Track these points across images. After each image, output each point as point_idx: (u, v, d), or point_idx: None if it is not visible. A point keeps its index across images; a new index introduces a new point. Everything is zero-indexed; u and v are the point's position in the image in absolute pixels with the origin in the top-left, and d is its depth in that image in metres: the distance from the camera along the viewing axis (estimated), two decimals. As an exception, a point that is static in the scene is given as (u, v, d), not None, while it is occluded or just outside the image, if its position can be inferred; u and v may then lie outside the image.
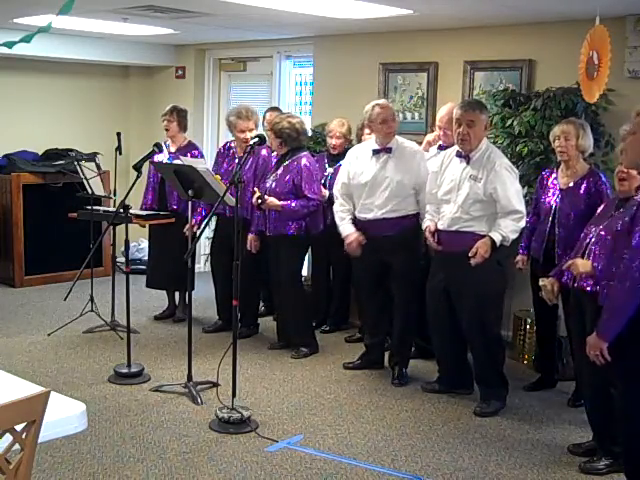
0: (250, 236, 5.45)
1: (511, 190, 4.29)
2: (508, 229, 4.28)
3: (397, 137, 4.87)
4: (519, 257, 4.77)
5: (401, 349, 4.99)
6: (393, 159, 4.80)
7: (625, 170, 3.56)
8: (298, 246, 5.29)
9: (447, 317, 4.53)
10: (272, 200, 5.10)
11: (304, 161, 5.17)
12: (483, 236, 4.30)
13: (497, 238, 4.28)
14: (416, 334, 5.14)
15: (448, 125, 4.78)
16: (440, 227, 4.49)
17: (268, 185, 5.24)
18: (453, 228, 4.40)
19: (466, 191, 4.36)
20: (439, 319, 4.59)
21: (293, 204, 5.10)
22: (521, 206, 4.32)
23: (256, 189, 5.22)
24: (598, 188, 4.36)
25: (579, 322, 3.72)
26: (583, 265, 3.57)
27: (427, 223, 4.59)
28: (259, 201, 5.13)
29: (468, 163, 4.39)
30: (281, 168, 5.21)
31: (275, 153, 5.41)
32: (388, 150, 4.82)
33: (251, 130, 5.52)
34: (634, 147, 3.24)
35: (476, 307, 4.37)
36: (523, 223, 4.37)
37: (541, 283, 3.97)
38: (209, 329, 5.93)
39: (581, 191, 4.40)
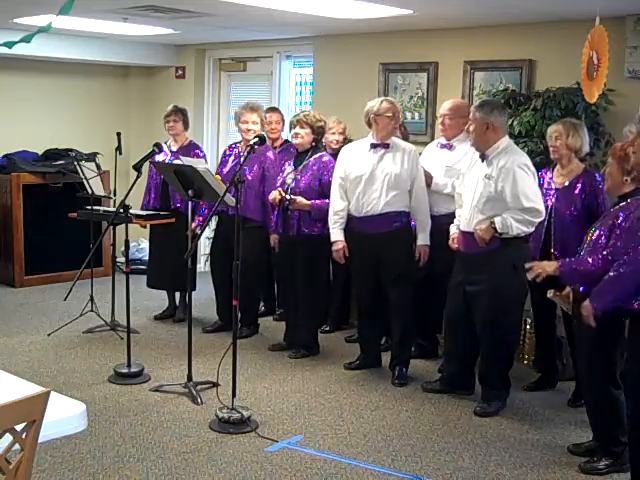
0: (273, 236, 5.44)
1: (521, 188, 4.22)
2: (512, 217, 4.23)
3: (392, 137, 4.91)
4: None
5: (401, 350, 4.98)
6: (390, 154, 4.83)
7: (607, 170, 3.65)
8: (321, 246, 5.21)
9: (464, 317, 4.50)
10: (301, 200, 5.08)
11: (327, 159, 5.20)
12: (497, 238, 4.29)
13: (497, 221, 4.25)
14: (415, 334, 5.14)
15: (449, 113, 4.96)
16: (461, 228, 4.52)
17: (287, 183, 5.19)
18: (470, 229, 4.40)
19: (480, 190, 4.37)
20: (456, 318, 4.58)
21: (323, 203, 5.09)
22: (531, 203, 4.22)
23: (280, 189, 5.16)
24: (593, 188, 4.36)
25: (577, 323, 3.72)
26: (549, 265, 3.73)
27: (453, 230, 4.64)
28: (286, 203, 5.09)
29: (484, 162, 4.41)
30: (303, 165, 5.19)
31: (293, 149, 5.41)
32: (386, 145, 4.85)
33: (255, 123, 5.56)
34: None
35: (489, 309, 4.35)
36: (539, 220, 4.29)
37: (549, 295, 3.91)
38: (209, 329, 5.94)
39: (576, 191, 4.41)
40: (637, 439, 3.43)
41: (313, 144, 5.20)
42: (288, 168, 5.29)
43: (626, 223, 3.40)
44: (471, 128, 4.44)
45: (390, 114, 4.81)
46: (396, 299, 4.89)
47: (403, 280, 4.85)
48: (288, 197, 5.09)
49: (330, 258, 5.34)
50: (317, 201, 5.10)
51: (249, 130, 5.58)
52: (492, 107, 4.43)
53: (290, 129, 5.34)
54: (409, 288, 4.87)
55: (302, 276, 5.25)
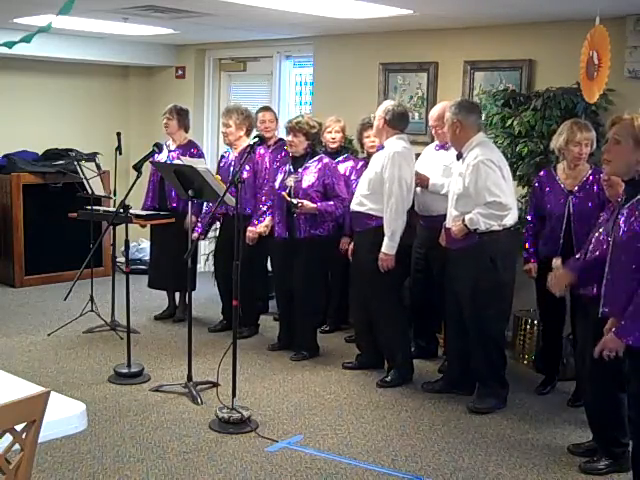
0: (250, 229, 5.47)
1: (483, 183, 4.24)
2: (479, 212, 4.25)
3: (392, 139, 4.80)
4: (530, 266, 4.67)
5: (384, 350, 5.00)
6: (377, 156, 4.86)
7: (607, 178, 3.58)
8: (327, 247, 5.26)
9: (458, 315, 4.52)
10: (308, 203, 5.06)
11: (326, 160, 5.20)
12: (474, 234, 4.31)
13: (466, 218, 4.29)
14: (400, 333, 5.05)
15: (438, 123, 4.93)
16: (445, 225, 4.55)
17: (289, 187, 5.16)
18: (449, 225, 4.46)
19: (453, 188, 4.45)
20: (451, 316, 4.62)
21: (328, 205, 5.09)
22: (494, 197, 4.24)
23: (284, 193, 5.13)
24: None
25: (584, 325, 3.72)
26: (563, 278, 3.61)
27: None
28: (293, 207, 5.05)
29: (459, 160, 4.47)
30: (303, 169, 5.17)
31: (286, 153, 5.46)
32: (381, 147, 4.90)
33: (228, 126, 5.64)
34: (620, 158, 3.15)
35: (470, 304, 4.40)
36: (505, 213, 4.29)
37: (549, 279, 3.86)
38: (215, 328, 5.94)
39: (590, 190, 4.44)
40: None
41: (308, 150, 5.18)
42: (287, 174, 5.26)
43: None
44: (445, 129, 4.53)
45: (376, 115, 4.86)
46: (363, 300, 4.95)
47: (362, 280, 4.86)
48: (295, 201, 5.06)
49: (330, 259, 5.37)
50: (323, 203, 5.10)
51: (224, 133, 5.72)
52: (460, 107, 4.45)
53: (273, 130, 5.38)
54: (369, 288, 4.84)
55: (302, 277, 5.24)
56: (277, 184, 5.28)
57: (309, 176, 5.14)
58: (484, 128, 4.73)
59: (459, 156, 4.46)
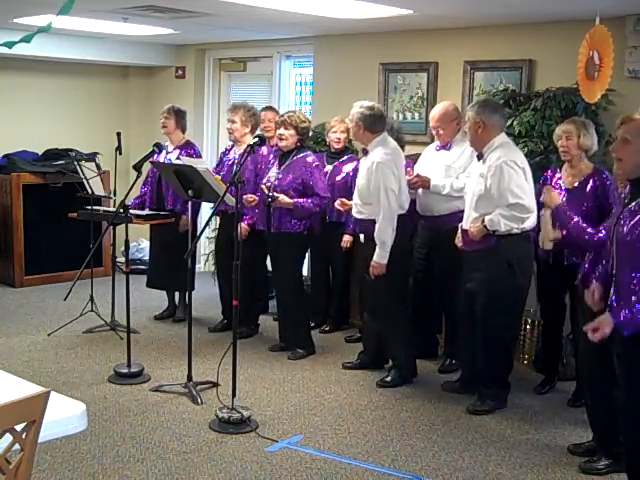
0: (242, 225, 5.41)
1: (507, 184, 4.21)
2: (500, 214, 4.22)
3: (373, 145, 4.73)
4: None
5: (386, 350, 5.00)
6: (364, 162, 4.81)
7: (620, 172, 3.55)
8: (300, 244, 5.27)
9: (470, 316, 4.50)
10: (284, 198, 5.07)
11: (311, 159, 5.18)
12: (492, 236, 4.29)
13: (486, 219, 4.26)
14: (403, 333, 5.02)
15: (440, 124, 4.92)
16: (462, 226, 4.51)
17: (271, 181, 5.19)
18: (466, 227, 4.43)
19: (473, 189, 4.40)
20: (463, 317, 4.60)
21: (306, 202, 5.08)
22: (517, 199, 4.20)
23: (263, 186, 5.19)
24: (605, 187, 4.34)
25: (584, 325, 3.71)
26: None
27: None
28: (269, 199, 5.10)
29: (480, 161, 4.43)
30: (286, 165, 5.18)
31: (276, 148, 5.42)
32: (365, 152, 4.82)
33: (233, 122, 5.68)
34: (630, 158, 3.15)
35: (484, 307, 4.36)
36: (527, 216, 4.26)
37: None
38: (217, 328, 5.93)
39: (587, 190, 4.39)
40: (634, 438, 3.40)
41: (297, 144, 5.17)
42: (273, 167, 5.30)
43: None
44: (466, 128, 4.47)
45: (352, 119, 4.78)
46: (366, 302, 4.99)
47: (364, 281, 4.88)
48: (271, 194, 5.09)
49: (303, 257, 5.45)
50: (301, 200, 5.09)
51: (229, 129, 5.74)
52: (483, 106, 4.41)
53: (275, 130, 5.35)
54: (371, 292, 4.87)
55: (277, 275, 5.31)
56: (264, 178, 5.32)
57: (290, 173, 5.14)
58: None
59: (479, 157, 4.41)
